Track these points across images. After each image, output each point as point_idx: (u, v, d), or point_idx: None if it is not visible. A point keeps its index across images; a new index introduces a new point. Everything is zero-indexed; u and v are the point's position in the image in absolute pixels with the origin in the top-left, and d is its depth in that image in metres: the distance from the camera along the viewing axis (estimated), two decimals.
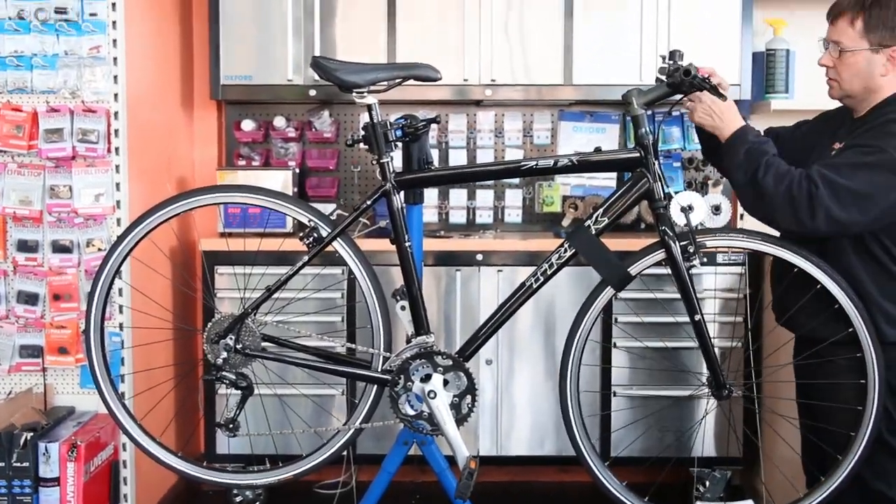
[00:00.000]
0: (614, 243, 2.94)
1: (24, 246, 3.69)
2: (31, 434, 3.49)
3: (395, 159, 2.91)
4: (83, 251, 3.68)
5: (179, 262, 4.32)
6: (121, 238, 2.97)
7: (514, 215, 4.69)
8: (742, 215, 4.64)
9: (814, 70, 4.52)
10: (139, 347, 3.73)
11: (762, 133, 2.94)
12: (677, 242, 2.76)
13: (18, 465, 3.48)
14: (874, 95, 2.87)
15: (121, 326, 3.69)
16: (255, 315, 2.92)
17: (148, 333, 3.66)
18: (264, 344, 2.94)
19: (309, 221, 2.90)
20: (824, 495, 2.86)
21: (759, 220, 2.84)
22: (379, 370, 2.93)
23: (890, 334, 2.81)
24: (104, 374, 3.01)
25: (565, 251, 2.83)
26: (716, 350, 2.88)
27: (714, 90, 2.77)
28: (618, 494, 2.90)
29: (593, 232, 2.81)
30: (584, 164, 2.86)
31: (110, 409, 3.02)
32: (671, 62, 2.71)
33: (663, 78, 2.77)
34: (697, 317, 2.80)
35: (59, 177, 3.66)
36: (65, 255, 3.68)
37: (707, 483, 4.24)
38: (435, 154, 4.55)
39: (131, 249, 2.98)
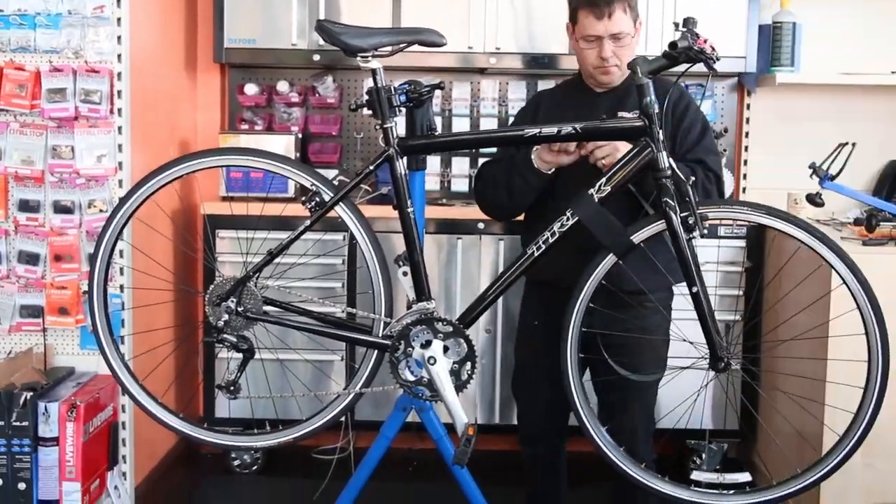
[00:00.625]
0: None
1: (25, 206, 3.69)
2: (31, 394, 3.50)
3: (399, 125, 2.90)
4: (84, 212, 3.68)
5: (181, 226, 4.32)
6: (123, 200, 2.96)
7: None
8: (745, 188, 4.64)
9: (820, 43, 4.55)
10: (140, 309, 3.74)
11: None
12: (678, 213, 2.76)
13: (18, 424, 3.49)
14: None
15: (121, 288, 3.69)
16: (256, 279, 2.92)
17: (149, 295, 3.67)
18: (265, 307, 2.94)
19: (311, 185, 2.89)
20: (822, 472, 2.86)
21: None
22: (379, 335, 2.93)
23: None
24: (107, 335, 3.01)
25: (568, 219, 2.82)
26: (715, 322, 2.88)
27: (709, 62, 2.75)
28: (618, 462, 2.90)
29: (596, 200, 2.80)
30: (587, 133, 2.84)
31: (113, 369, 3.02)
32: (683, 30, 2.68)
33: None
34: (696, 289, 2.79)
35: (62, 137, 3.65)
36: (66, 215, 3.67)
37: (703, 455, 4.26)
38: (438, 122, 4.54)
39: (134, 211, 2.97)
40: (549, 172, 3.12)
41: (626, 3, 3.10)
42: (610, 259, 2.84)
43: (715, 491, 2.85)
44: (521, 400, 3.55)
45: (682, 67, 2.74)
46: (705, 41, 2.69)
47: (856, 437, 2.81)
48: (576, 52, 3.24)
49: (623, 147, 2.89)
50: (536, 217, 3.25)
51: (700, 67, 2.74)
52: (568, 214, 2.81)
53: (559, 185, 3.15)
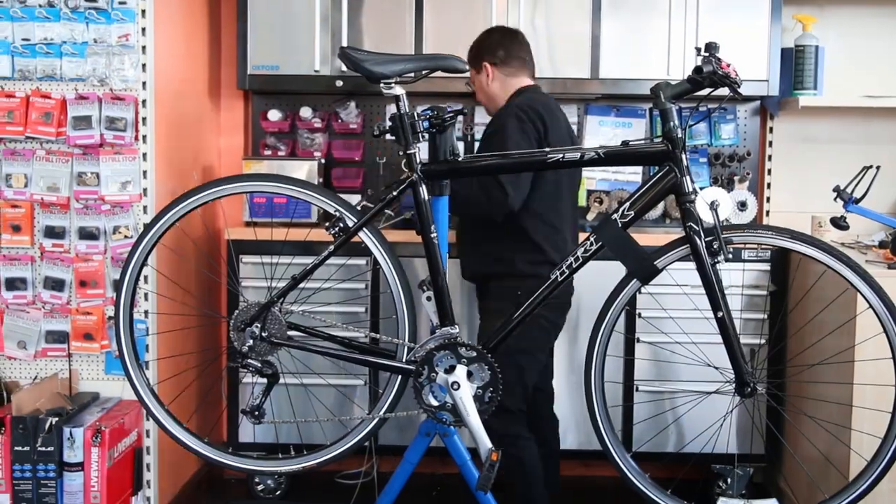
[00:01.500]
0: (640, 238, 2.93)
1: (51, 232, 3.72)
2: (56, 419, 3.51)
3: (422, 150, 2.91)
4: (110, 238, 3.70)
5: (205, 251, 4.34)
6: (149, 226, 2.98)
7: None
8: (768, 211, 4.62)
9: (843, 66, 4.54)
10: (164, 335, 3.75)
11: None
12: (703, 238, 2.75)
13: (43, 449, 3.50)
14: (494, 101, 3.76)
15: (146, 314, 3.71)
16: (280, 304, 2.93)
17: (173, 321, 3.68)
18: (290, 332, 2.95)
19: (335, 211, 2.91)
20: (850, 498, 2.83)
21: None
22: (403, 360, 2.93)
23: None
24: (133, 360, 3.03)
25: (592, 244, 2.82)
26: (741, 347, 2.87)
27: (734, 86, 2.74)
28: (642, 487, 2.88)
29: (619, 225, 2.80)
30: (611, 157, 2.85)
31: (139, 394, 3.04)
32: (706, 55, 2.68)
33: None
34: (721, 313, 2.78)
35: (87, 164, 3.68)
36: (91, 241, 3.70)
37: (728, 480, 4.23)
38: (461, 147, 4.55)
39: (159, 238, 2.99)
40: None
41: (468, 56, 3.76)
42: (634, 284, 2.83)
43: None
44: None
45: (705, 91, 2.75)
46: (728, 65, 2.69)
47: (884, 463, 2.78)
48: None
49: None
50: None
51: (722, 91, 2.74)
52: (592, 239, 2.81)
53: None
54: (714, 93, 2.77)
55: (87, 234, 3.70)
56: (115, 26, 3.67)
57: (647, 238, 3.50)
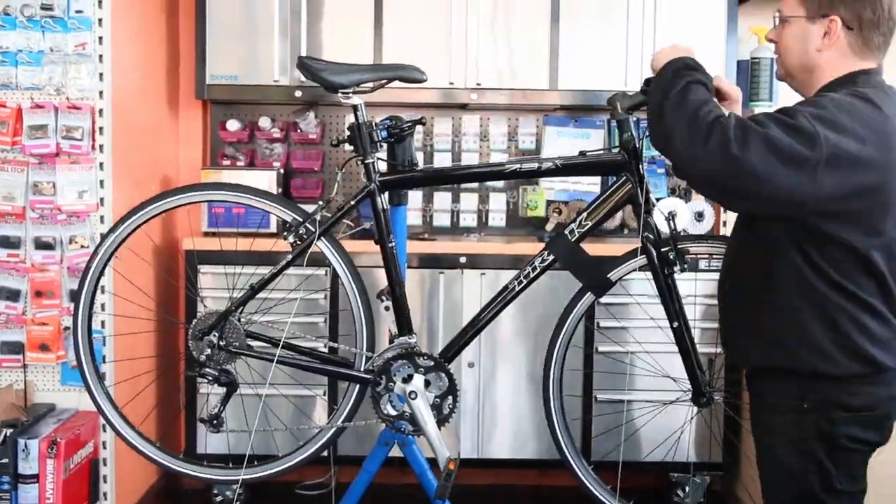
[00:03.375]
0: (598, 248, 2.95)
1: (6, 242, 3.68)
2: (11, 430, 3.48)
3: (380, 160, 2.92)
4: (66, 248, 3.67)
5: (163, 262, 4.31)
6: (106, 236, 2.97)
7: (498, 219, 4.69)
8: (725, 222, 4.66)
9: None
10: (121, 343, 3.72)
11: None
12: (658, 248, 2.77)
13: None
14: (813, 77, 2.34)
15: (103, 324, 3.68)
16: (239, 313, 2.93)
17: (131, 330, 3.66)
18: (248, 342, 2.94)
19: (293, 220, 2.91)
20: None
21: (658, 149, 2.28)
22: (361, 370, 2.93)
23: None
24: (91, 370, 3.02)
25: (547, 256, 2.84)
26: (698, 357, 2.89)
27: None
28: (601, 496, 2.90)
29: (576, 236, 2.82)
30: (568, 168, 2.87)
31: (98, 405, 3.03)
32: None
33: None
34: (677, 323, 2.81)
35: (43, 173, 3.65)
36: (47, 251, 3.66)
37: (686, 488, 4.26)
38: (420, 157, 4.56)
39: (117, 247, 2.98)
40: None
41: None
42: (589, 297, 2.86)
43: None
44: None
45: None
46: None
47: None
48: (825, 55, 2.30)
49: None
50: None
51: None
52: (545, 254, 2.83)
53: None
54: None
55: (43, 244, 3.67)
56: (71, 35, 3.64)
57: (605, 248, 3.52)
